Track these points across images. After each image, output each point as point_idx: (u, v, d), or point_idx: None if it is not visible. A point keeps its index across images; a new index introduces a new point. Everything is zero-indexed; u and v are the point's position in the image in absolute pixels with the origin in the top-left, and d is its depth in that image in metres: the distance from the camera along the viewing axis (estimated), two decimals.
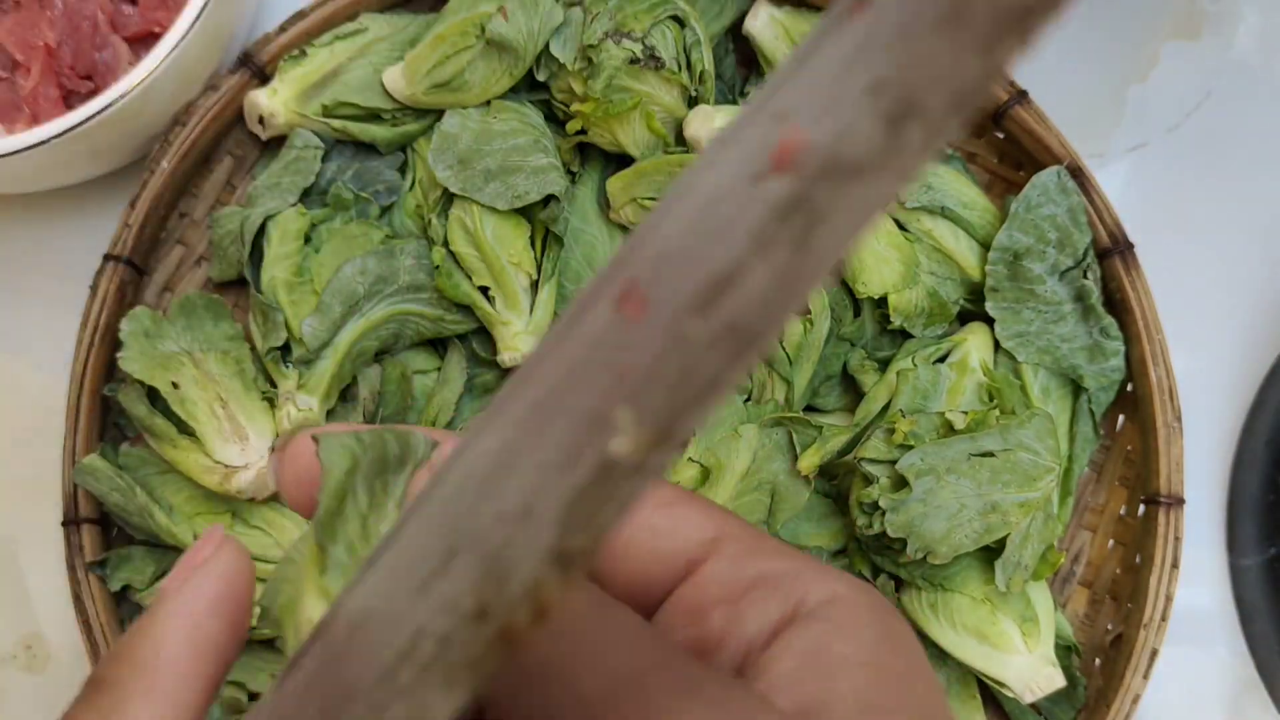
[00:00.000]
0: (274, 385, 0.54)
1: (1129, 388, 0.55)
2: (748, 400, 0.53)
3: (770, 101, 0.17)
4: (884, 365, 0.55)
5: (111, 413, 0.56)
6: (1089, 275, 0.54)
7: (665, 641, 0.23)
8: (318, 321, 0.52)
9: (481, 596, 0.17)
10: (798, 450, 0.52)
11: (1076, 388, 0.55)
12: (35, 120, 0.53)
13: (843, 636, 0.24)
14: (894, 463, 0.49)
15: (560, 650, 0.22)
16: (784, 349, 0.52)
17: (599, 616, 0.23)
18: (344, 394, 0.55)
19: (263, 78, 0.56)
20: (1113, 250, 0.54)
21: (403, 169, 0.57)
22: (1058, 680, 0.50)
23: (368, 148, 0.57)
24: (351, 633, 0.19)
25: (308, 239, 0.54)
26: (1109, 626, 0.55)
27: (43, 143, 0.50)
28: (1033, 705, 0.53)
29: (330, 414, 0.54)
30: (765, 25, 0.57)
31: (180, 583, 0.25)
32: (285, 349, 0.53)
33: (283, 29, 0.56)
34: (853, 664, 0.24)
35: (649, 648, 0.23)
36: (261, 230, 0.54)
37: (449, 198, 0.54)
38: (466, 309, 0.55)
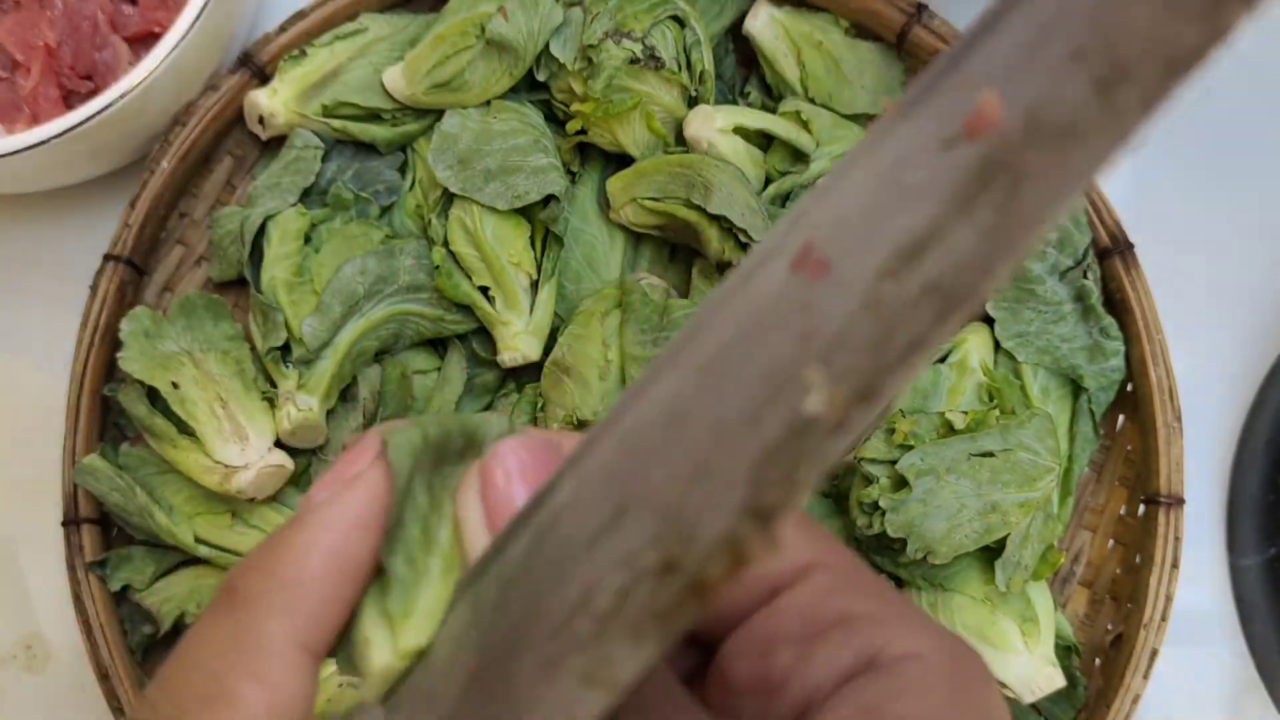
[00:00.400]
0: (274, 385, 0.54)
1: (1129, 388, 0.55)
2: None
3: (955, 72, 0.17)
4: None
5: (111, 413, 0.56)
6: (1089, 275, 0.54)
7: None
8: (318, 321, 0.52)
9: (666, 551, 0.17)
10: None
11: (1076, 388, 0.55)
12: (35, 120, 0.53)
13: (907, 697, 0.22)
14: (894, 463, 0.49)
15: None
16: None
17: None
18: (344, 394, 0.55)
19: (263, 78, 0.56)
20: (1113, 250, 0.54)
21: (403, 169, 0.57)
22: (1058, 680, 0.50)
23: (368, 148, 0.57)
24: (506, 589, 0.19)
25: (308, 239, 0.54)
26: (1109, 626, 0.55)
27: (43, 143, 0.50)
28: (1033, 705, 0.53)
29: (330, 414, 0.54)
30: (765, 25, 0.57)
31: (329, 495, 0.23)
32: (285, 349, 0.53)
33: (283, 29, 0.56)
34: None
35: None
36: (262, 230, 0.54)
37: (449, 198, 0.54)
38: (466, 309, 0.55)
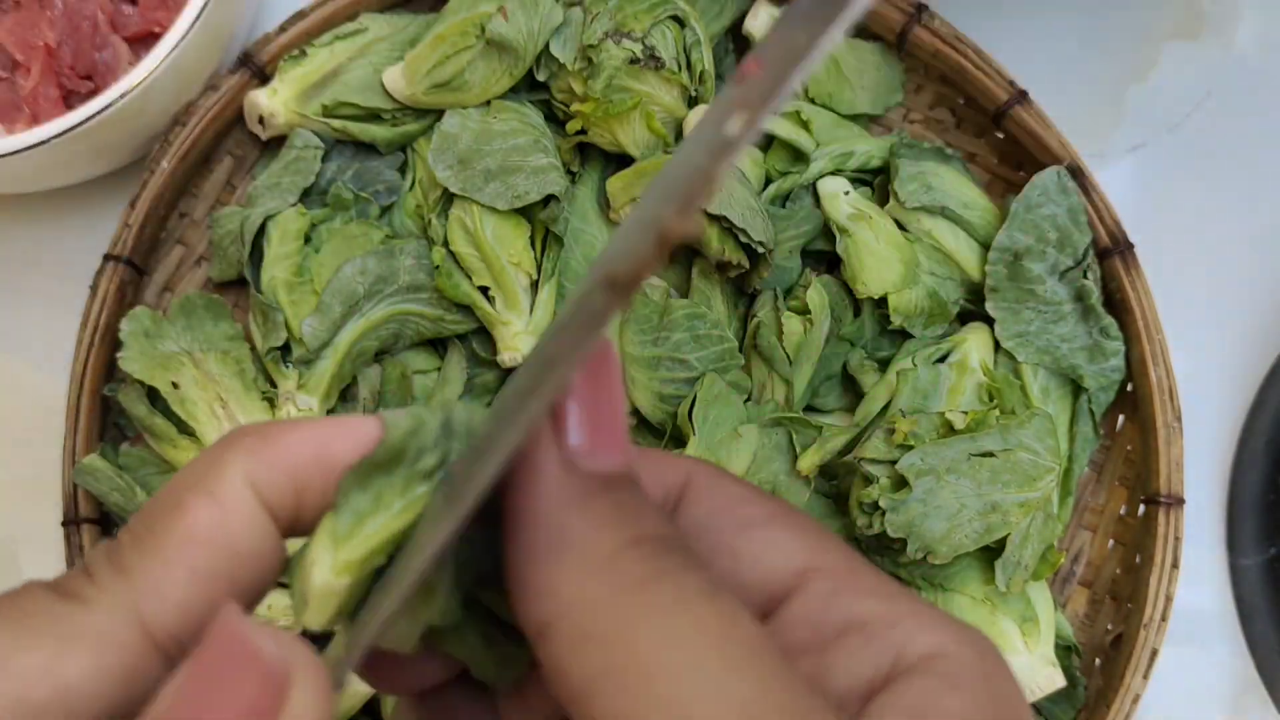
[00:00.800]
0: (274, 385, 0.54)
1: (1129, 388, 0.55)
2: (748, 400, 0.53)
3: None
4: (884, 365, 0.55)
5: (111, 413, 0.56)
6: (1089, 275, 0.54)
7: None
8: (318, 321, 0.52)
9: (608, 274, 0.19)
10: (797, 450, 0.52)
11: (1076, 388, 0.55)
12: (35, 120, 0.53)
13: (949, 695, 0.22)
14: (894, 463, 0.49)
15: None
16: (784, 349, 0.52)
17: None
18: (344, 394, 0.55)
19: (263, 78, 0.56)
20: (1113, 250, 0.54)
21: (403, 169, 0.57)
22: (1058, 680, 0.50)
23: (368, 148, 0.57)
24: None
25: (308, 239, 0.54)
26: (1109, 626, 0.55)
27: (43, 143, 0.50)
28: (1033, 705, 0.53)
29: (330, 414, 0.54)
30: (765, 25, 0.57)
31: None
32: (285, 349, 0.53)
33: (283, 29, 0.56)
34: None
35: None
36: (262, 230, 0.54)
37: (449, 198, 0.54)
38: (467, 309, 0.55)
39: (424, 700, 0.27)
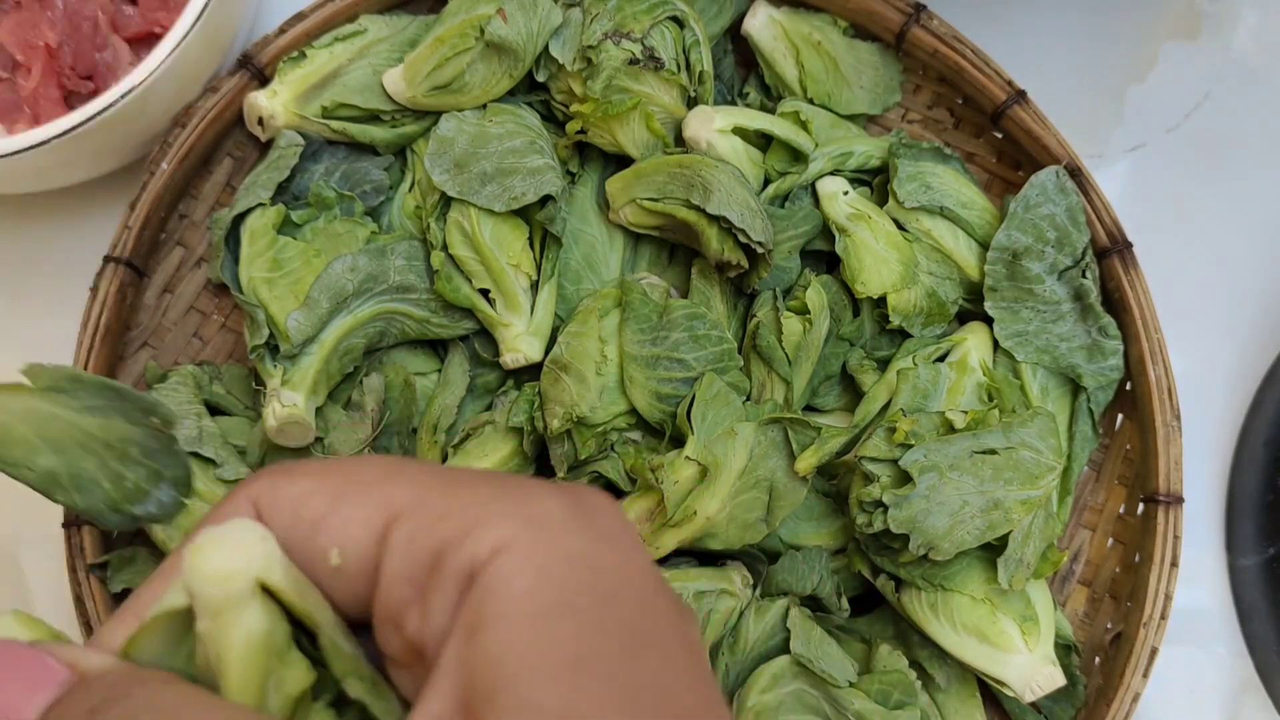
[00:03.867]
0: (262, 384, 0.53)
1: (1128, 387, 0.55)
2: (747, 400, 0.53)
3: None
4: (883, 365, 0.55)
5: None
6: (1087, 275, 0.54)
7: None
8: (304, 316, 0.52)
9: None
10: (794, 448, 0.52)
11: (1075, 387, 0.55)
12: (36, 121, 0.53)
13: (495, 597, 0.21)
14: (894, 461, 0.49)
15: None
16: (783, 349, 0.52)
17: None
18: (348, 403, 0.55)
19: (262, 79, 0.56)
20: (1111, 250, 0.54)
21: (391, 169, 0.57)
22: (1058, 679, 0.50)
23: (361, 148, 0.57)
24: None
25: (281, 231, 0.54)
26: (1109, 625, 0.55)
27: (43, 143, 0.50)
28: (1033, 704, 0.53)
29: (319, 411, 0.53)
30: (764, 25, 0.57)
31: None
32: (274, 348, 0.52)
33: (282, 30, 0.56)
34: (510, 616, 0.21)
35: None
36: (237, 231, 0.54)
37: (446, 201, 0.54)
38: (463, 311, 0.54)
39: None
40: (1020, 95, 0.55)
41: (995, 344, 0.54)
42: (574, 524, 0.23)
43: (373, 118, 0.56)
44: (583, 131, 0.54)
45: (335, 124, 0.55)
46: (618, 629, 0.21)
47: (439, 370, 0.56)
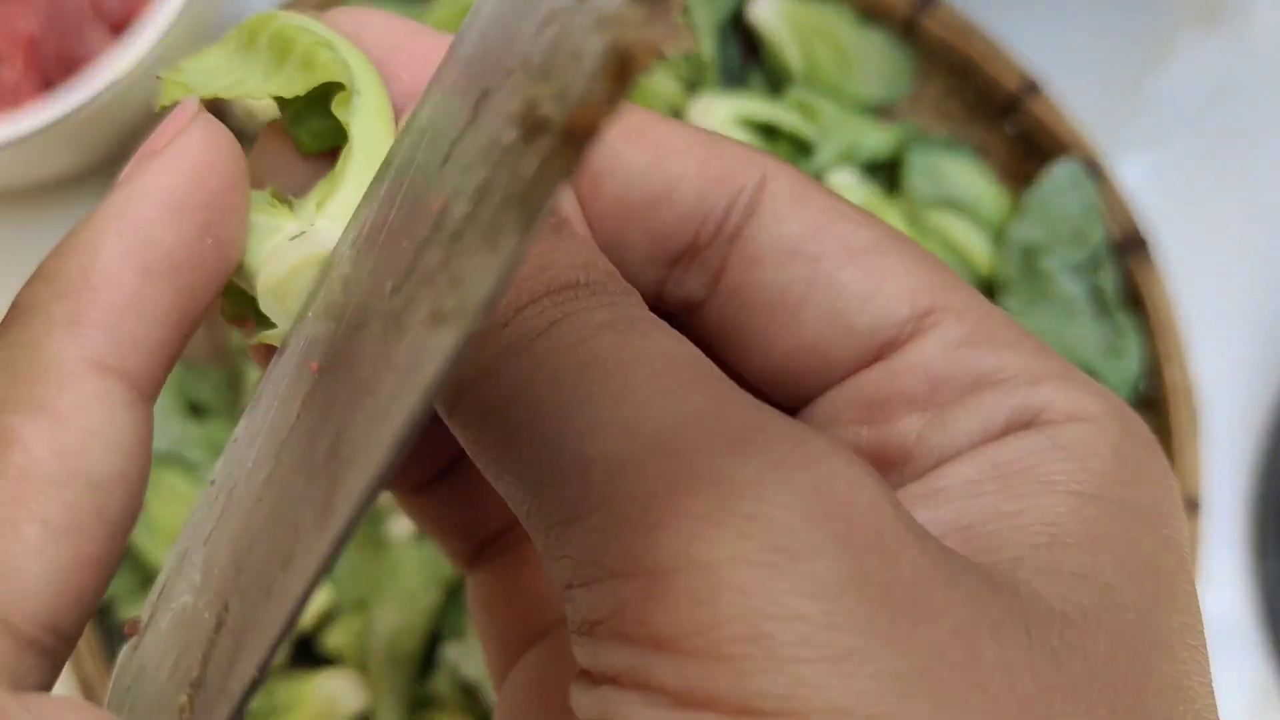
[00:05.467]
0: None
1: (1145, 387, 0.54)
2: None
3: None
4: None
5: None
6: (1104, 271, 0.53)
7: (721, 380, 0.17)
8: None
9: (529, 102, 0.13)
10: None
11: None
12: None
13: (1062, 458, 0.18)
14: None
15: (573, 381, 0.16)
16: None
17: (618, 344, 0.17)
18: None
19: None
20: (1129, 246, 0.53)
21: None
22: None
23: None
24: (350, 277, 0.17)
25: None
26: None
27: (26, 136, 0.50)
28: None
29: None
30: (769, 13, 0.56)
31: (128, 173, 0.19)
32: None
33: None
34: (1060, 491, 0.18)
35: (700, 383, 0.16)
36: None
37: None
38: None
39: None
40: (1034, 86, 0.54)
41: None
42: (1153, 441, 0.20)
43: None
44: None
45: None
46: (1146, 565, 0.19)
47: None
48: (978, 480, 0.18)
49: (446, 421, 0.18)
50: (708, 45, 0.54)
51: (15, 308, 0.18)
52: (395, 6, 0.56)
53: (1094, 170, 0.53)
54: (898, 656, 0.15)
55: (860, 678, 0.14)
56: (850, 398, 0.20)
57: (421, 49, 0.20)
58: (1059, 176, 0.53)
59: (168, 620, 0.18)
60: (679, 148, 0.20)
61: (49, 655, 0.16)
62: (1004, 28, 0.55)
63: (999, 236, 0.53)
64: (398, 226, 0.16)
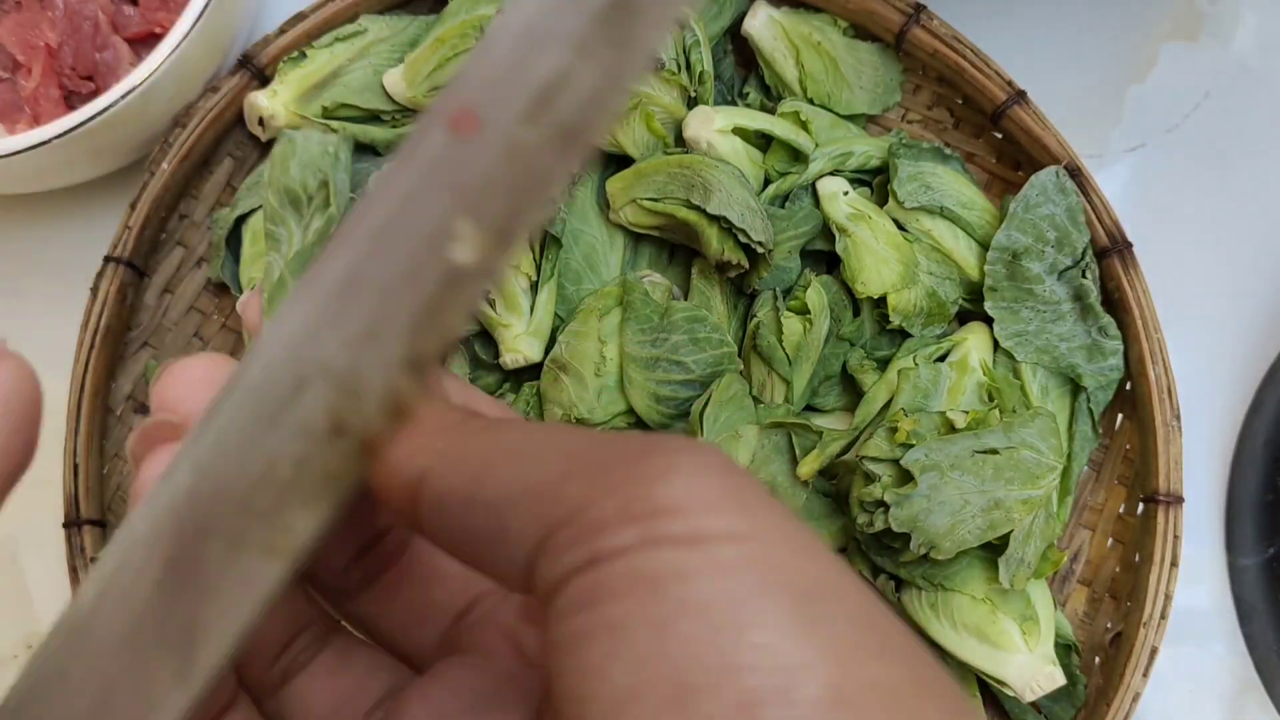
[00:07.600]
0: None
1: (1128, 387, 0.55)
2: (759, 403, 0.53)
3: None
4: (883, 365, 0.55)
5: (112, 414, 0.56)
6: (1087, 275, 0.54)
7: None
8: None
9: (336, 416, 0.19)
10: (797, 453, 0.52)
11: (1075, 387, 0.55)
12: (36, 121, 0.53)
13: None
14: (896, 461, 0.49)
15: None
16: (783, 349, 0.52)
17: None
18: None
19: (263, 79, 0.56)
20: (1111, 250, 0.54)
21: None
22: (1058, 679, 0.50)
23: (362, 148, 0.57)
24: (202, 476, 0.20)
25: None
26: (1108, 625, 0.55)
27: (44, 143, 0.50)
28: (1033, 704, 0.53)
29: None
30: (764, 25, 0.57)
31: None
32: None
33: (282, 30, 0.56)
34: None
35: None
36: (238, 232, 0.54)
37: None
38: None
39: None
40: (1020, 95, 0.55)
41: (995, 344, 0.54)
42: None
43: (373, 118, 0.56)
44: None
45: (335, 124, 0.55)
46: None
47: None
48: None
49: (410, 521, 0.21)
50: (706, 58, 0.55)
51: None
52: (406, 17, 0.57)
53: (1077, 177, 0.54)
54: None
55: None
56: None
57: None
58: (1044, 183, 0.54)
59: None
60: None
61: None
62: (991, 39, 0.56)
63: (985, 241, 0.55)
64: (227, 466, 0.20)
